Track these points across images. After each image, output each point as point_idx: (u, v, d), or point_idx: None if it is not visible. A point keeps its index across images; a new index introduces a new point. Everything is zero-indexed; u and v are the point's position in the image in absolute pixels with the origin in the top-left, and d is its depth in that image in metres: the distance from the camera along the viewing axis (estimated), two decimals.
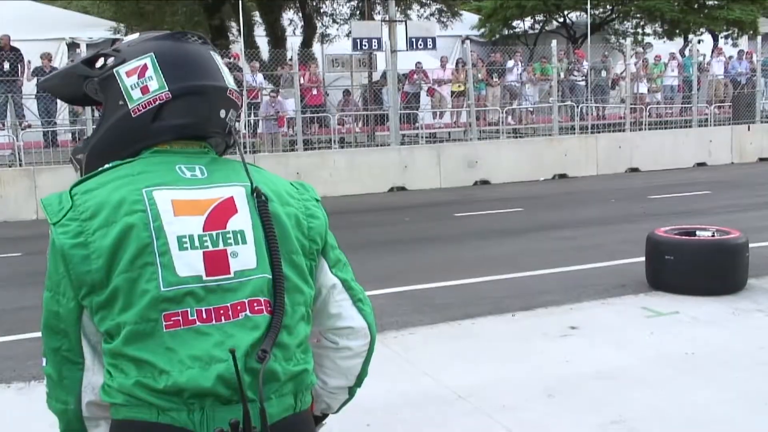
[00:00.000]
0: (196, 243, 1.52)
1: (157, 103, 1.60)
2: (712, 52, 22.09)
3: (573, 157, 17.03)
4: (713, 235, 6.92)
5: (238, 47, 17.95)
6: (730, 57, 21.21)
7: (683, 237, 6.90)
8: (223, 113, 1.67)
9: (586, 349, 5.42)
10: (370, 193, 14.91)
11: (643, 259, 7.14)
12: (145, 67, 1.61)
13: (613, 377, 4.84)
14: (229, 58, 16.76)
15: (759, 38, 21.06)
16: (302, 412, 1.59)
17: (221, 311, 1.51)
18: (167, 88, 1.60)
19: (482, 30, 26.26)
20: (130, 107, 1.61)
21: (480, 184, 16.08)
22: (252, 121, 16.35)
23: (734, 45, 25.13)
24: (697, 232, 6.99)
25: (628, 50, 19.51)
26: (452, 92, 18.66)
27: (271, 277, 1.55)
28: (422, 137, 17.50)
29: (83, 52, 14.51)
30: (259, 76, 16.88)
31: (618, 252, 8.63)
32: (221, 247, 1.53)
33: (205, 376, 1.46)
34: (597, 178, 16.63)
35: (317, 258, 1.67)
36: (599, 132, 18.31)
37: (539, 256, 8.80)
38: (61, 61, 18.30)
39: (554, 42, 18.20)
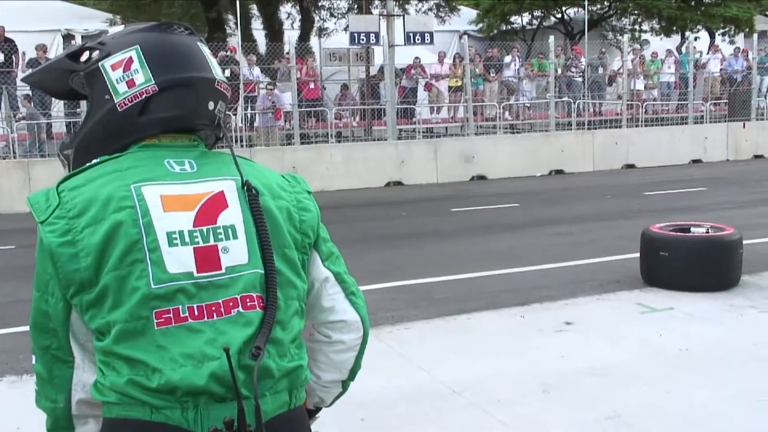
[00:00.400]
0: (187, 239, 1.49)
1: (143, 96, 1.57)
2: (709, 49, 22.10)
3: (569, 153, 17.04)
4: (707, 232, 6.93)
5: (235, 40, 17.91)
6: (730, 55, 21.20)
7: (678, 233, 6.91)
8: (211, 105, 1.64)
9: (581, 345, 5.42)
10: (366, 187, 14.91)
11: (637, 255, 7.15)
12: (130, 60, 1.59)
13: (608, 373, 4.84)
14: (226, 52, 16.72)
15: (755, 36, 21.07)
16: (297, 408, 1.58)
17: (213, 308, 1.48)
18: (153, 81, 1.58)
19: (480, 25, 26.25)
20: (116, 101, 1.58)
21: (477, 179, 16.08)
22: (249, 115, 16.32)
23: (731, 42, 25.15)
24: (692, 229, 7.00)
25: (625, 47, 19.51)
26: (449, 87, 18.66)
27: (263, 272, 1.53)
28: (419, 132, 17.49)
29: (79, 44, 14.42)
30: (256, 70, 16.83)
31: (613, 248, 8.64)
32: (212, 242, 1.51)
33: (198, 374, 1.45)
34: (593, 174, 16.64)
35: (309, 251, 1.64)
36: (596, 128, 18.33)
37: (535, 251, 8.81)
38: (56, 52, 18.22)
39: (551, 38, 18.21)
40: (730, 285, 6.74)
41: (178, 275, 1.48)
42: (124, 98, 1.58)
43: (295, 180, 1.70)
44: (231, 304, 1.49)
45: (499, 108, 18.21)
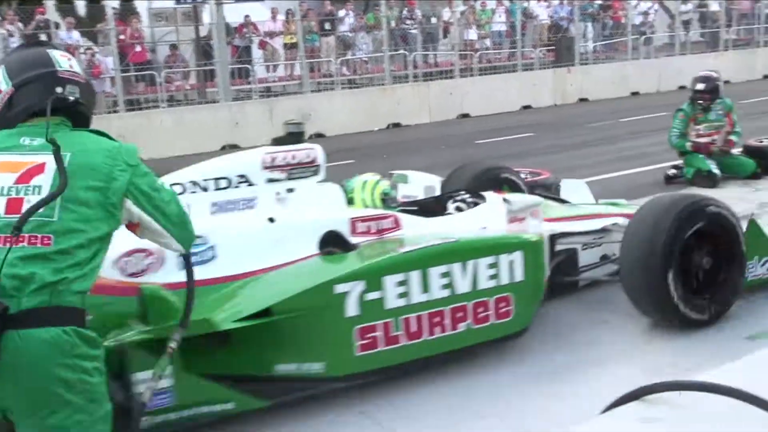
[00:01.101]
0: (5, 192, 2.23)
1: (7, 97, 2.39)
2: None
3: (406, 105, 17.15)
4: (526, 178, 7.14)
5: (51, 3, 16.74)
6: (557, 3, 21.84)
7: None
8: (59, 89, 2.37)
9: None
10: (201, 153, 14.36)
11: None
12: None
13: None
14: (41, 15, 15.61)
15: None
16: (56, 307, 2.17)
17: (8, 239, 2.16)
18: (11, 84, 2.39)
19: None
20: None
21: (314, 137, 15.88)
22: None
23: None
24: None
25: None
26: (285, 44, 18.30)
27: (54, 219, 2.20)
28: (256, 92, 17.08)
29: None
30: (75, 33, 15.82)
31: None
32: (21, 195, 2.23)
33: None
34: (429, 126, 16.84)
35: (118, 208, 2.34)
36: (432, 80, 18.53)
37: None
38: None
39: None
40: None
41: None
42: None
43: (119, 154, 2.35)
44: (21, 239, 2.18)
45: (336, 63, 18.06)
